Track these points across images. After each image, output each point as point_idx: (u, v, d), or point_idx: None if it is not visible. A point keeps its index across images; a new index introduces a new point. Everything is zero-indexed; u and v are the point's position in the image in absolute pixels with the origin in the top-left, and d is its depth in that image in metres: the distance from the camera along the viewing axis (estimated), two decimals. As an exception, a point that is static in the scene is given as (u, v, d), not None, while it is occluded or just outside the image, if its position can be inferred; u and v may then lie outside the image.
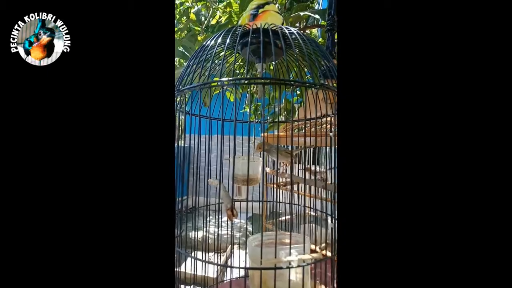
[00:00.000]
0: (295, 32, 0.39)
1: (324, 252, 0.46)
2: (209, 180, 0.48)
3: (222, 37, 0.39)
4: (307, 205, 0.59)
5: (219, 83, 0.36)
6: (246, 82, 0.41)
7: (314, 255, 0.39)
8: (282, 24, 0.44)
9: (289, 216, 0.63)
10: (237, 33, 0.39)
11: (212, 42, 0.40)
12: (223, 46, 0.39)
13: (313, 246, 0.55)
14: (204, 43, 0.41)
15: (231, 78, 0.36)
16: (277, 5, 1.12)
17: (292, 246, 0.35)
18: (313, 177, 0.59)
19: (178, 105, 0.44)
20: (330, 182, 0.49)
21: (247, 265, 0.40)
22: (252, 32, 0.39)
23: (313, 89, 0.39)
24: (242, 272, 0.59)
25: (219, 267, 0.46)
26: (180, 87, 0.39)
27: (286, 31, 0.39)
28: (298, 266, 0.36)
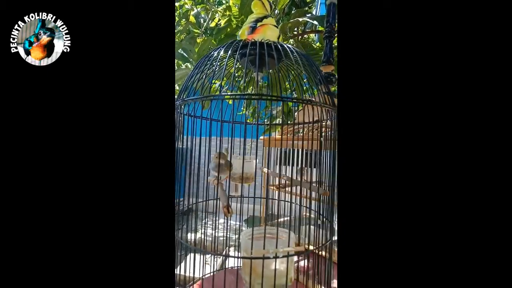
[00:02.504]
0: (286, 47, 0.43)
1: (310, 247, 0.49)
2: (208, 178, 0.51)
3: (224, 48, 0.43)
4: (303, 205, 0.62)
5: (220, 97, 0.40)
6: (244, 98, 0.45)
7: (297, 248, 0.43)
8: (279, 37, 0.48)
9: (286, 218, 0.66)
10: (237, 45, 0.43)
11: (215, 53, 0.43)
12: (225, 56, 0.42)
13: (308, 246, 0.58)
14: (207, 53, 0.44)
15: (230, 93, 0.40)
16: (276, 10, 1.15)
17: (278, 239, 0.40)
18: (306, 179, 0.62)
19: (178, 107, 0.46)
20: (318, 184, 0.52)
21: (240, 255, 0.45)
22: (250, 44, 0.43)
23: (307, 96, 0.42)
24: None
25: (216, 262, 0.49)
26: (185, 97, 0.42)
27: (279, 46, 0.43)
28: (283, 256, 0.41)
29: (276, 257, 0.40)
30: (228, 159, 0.51)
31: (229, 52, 0.42)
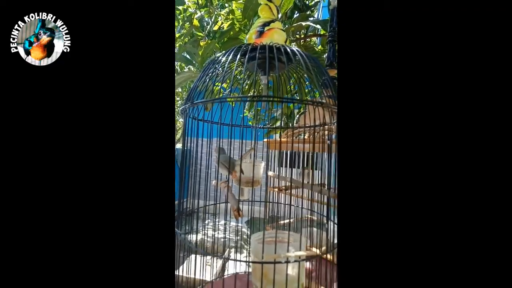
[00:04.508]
0: (295, 50, 0.43)
1: (319, 252, 0.49)
2: (218, 182, 0.51)
3: (233, 53, 0.43)
4: (305, 207, 0.62)
5: (228, 99, 0.40)
6: (252, 99, 0.45)
7: (309, 252, 0.43)
8: (286, 40, 0.48)
9: (288, 220, 0.66)
10: (245, 49, 0.43)
11: (224, 58, 0.44)
12: (233, 60, 0.43)
13: (314, 249, 0.58)
14: (214, 58, 0.45)
15: (239, 96, 0.40)
16: (280, 15, 1.16)
17: (289, 243, 0.39)
18: (310, 182, 0.62)
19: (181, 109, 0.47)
20: (327, 187, 0.52)
21: (250, 260, 0.44)
22: (259, 48, 0.42)
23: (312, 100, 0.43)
24: (243, 269, 0.62)
25: (220, 265, 0.49)
26: (194, 100, 0.43)
27: (288, 49, 0.43)
28: (295, 261, 0.40)
29: (287, 261, 0.39)
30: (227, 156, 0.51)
31: (238, 56, 0.43)
